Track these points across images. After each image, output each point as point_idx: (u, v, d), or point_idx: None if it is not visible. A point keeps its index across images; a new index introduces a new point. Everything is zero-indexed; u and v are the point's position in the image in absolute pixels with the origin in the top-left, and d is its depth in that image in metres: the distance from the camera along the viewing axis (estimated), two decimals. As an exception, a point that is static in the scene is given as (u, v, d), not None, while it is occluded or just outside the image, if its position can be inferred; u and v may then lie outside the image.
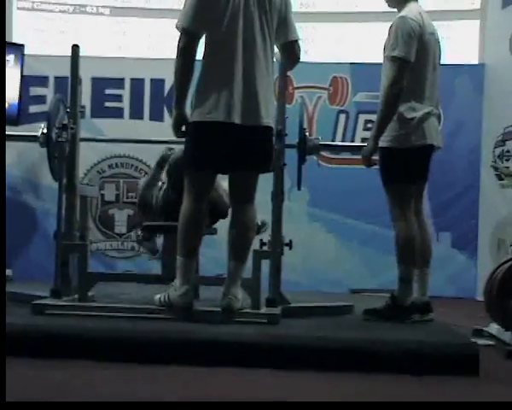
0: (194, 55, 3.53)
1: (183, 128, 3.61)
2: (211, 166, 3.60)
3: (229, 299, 3.60)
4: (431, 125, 3.89)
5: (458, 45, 6.25)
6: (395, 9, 4.01)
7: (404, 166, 3.86)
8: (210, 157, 3.56)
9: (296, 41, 3.69)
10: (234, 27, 3.51)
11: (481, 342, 3.75)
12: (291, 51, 3.71)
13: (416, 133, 3.84)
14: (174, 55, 3.54)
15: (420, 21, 3.82)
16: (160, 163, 4.51)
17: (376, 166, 4.01)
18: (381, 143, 3.86)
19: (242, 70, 3.51)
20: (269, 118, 3.59)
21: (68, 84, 4.24)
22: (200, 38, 3.55)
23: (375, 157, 3.93)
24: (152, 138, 4.97)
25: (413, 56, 3.78)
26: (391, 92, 3.78)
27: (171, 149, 4.50)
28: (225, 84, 3.49)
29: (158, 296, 3.76)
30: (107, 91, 6.16)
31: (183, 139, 3.65)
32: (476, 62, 6.39)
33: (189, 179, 3.64)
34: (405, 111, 3.82)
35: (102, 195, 6.14)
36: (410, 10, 3.85)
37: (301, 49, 3.73)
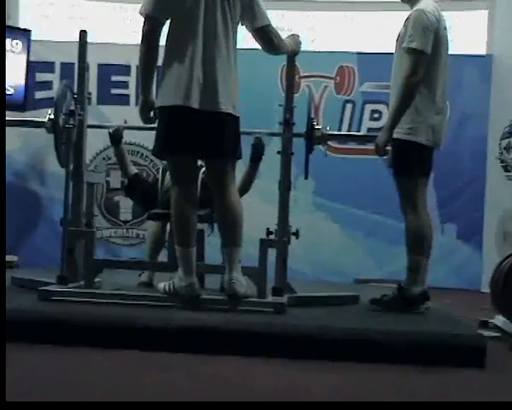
0: (157, 41, 3.55)
1: (151, 114, 3.64)
2: (178, 150, 3.60)
3: (233, 283, 3.59)
4: (441, 127, 3.92)
5: (466, 36, 6.22)
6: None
7: (417, 159, 3.87)
8: (176, 141, 3.57)
9: (265, 27, 3.67)
10: (195, 13, 3.53)
11: (487, 333, 3.75)
12: (261, 37, 3.69)
13: (428, 133, 3.85)
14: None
15: (437, 15, 3.85)
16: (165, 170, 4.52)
17: (385, 157, 4.00)
18: (395, 135, 3.86)
19: (202, 55, 3.52)
20: (228, 104, 3.57)
21: (75, 71, 4.24)
22: (163, 23, 3.57)
23: (388, 147, 3.92)
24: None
25: (430, 49, 3.79)
26: (408, 84, 3.78)
27: None
28: (185, 70, 3.51)
29: (162, 284, 3.76)
30: (114, 78, 6.15)
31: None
32: (484, 53, 6.37)
33: (169, 166, 3.73)
34: (420, 106, 3.83)
35: (108, 182, 6.14)
36: (426, 4, 3.86)
37: (276, 34, 3.70)
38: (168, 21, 3.59)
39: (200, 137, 3.57)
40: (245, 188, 4.44)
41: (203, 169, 4.07)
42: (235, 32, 3.63)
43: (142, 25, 3.55)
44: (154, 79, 3.63)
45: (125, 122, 4.50)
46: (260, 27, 3.66)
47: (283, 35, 3.88)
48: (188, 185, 3.65)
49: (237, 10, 3.61)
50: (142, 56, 3.57)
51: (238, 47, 3.70)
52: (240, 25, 3.69)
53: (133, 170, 4.70)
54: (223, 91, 3.54)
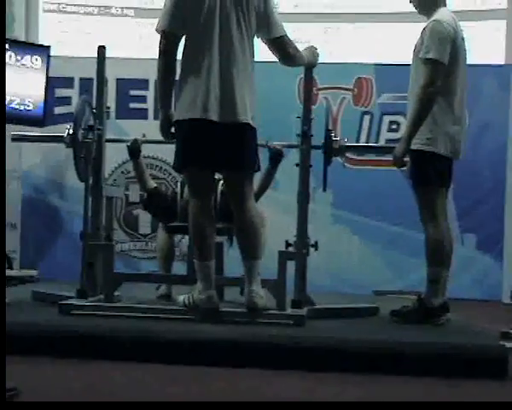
0: (175, 56, 3.59)
1: (172, 130, 3.67)
2: (196, 163, 3.60)
3: (252, 296, 3.61)
4: (460, 137, 3.90)
5: (485, 45, 6.20)
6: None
7: (436, 170, 3.86)
8: (194, 154, 3.58)
9: (280, 37, 3.68)
10: (210, 25, 3.55)
11: (509, 345, 3.71)
12: (277, 48, 3.71)
13: (446, 144, 3.84)
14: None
15: (454, 26, 3.84)
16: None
17: (404, 168, 4.00)
18: (413, 146, 3.84)
19: (219, 67, 3.54)
20: (247, 115, 3.57)
21: (93, 86, 4.27)
22: (179, 38, 3.60)
23: (406, 158, 3.91)
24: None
25: (447, 59, 3.79)
26: (425, 94, 3.77)
27: None
28: (202, 82, 3.52)
29: (182, 298, 3.76)
30: (132, 92, 6.18)
31: None
32: (503, 63, 6.34)
33: (187, 180, 3.74)
34: (438, 116, 3.82)
35: (127, 195, 6.16)
36: (442, 15, 3.86)
37: (292, 44, 3.71)
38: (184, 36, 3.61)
39: (218, 150, 3.58)
40: (261, 192, 4.44)
41: (222, 181, 4.08)
42: (251, 44, 3.64)
43: (159, 41, 3.58)
44: (173, 93, 3.65)
45: (144, 136, 4.51)
46: (276, 38, 3.67)
47: (300, 47, 3.89)
48: (205, 198, 3.66)
49: (252, 22, 3.62)
50: (159, 72, 3.60)
51: (256, 60, 3.71)
52: (256, 37, 3.70)
53: (152, 184, 4.70)
54: (240, 102, 3.55)
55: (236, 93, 3.54)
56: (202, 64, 3.54)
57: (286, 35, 3.70)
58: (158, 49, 3.58)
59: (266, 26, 3.66)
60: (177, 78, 3.63)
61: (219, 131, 3.54)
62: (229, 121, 3.54)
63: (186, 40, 3.62)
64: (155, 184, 4.76)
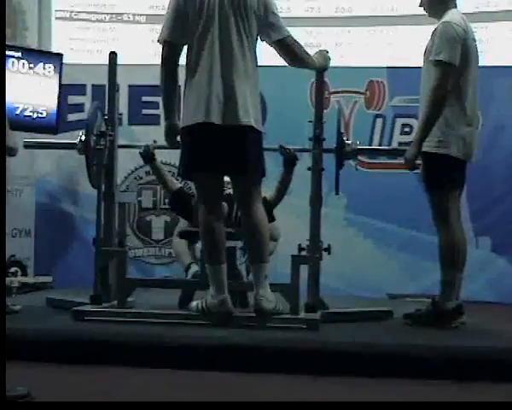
0: (176, 65, 3.64)
1: (178, 138, 3.71)
2: (201, 167, 3.62)
3: (260, 300, 3.61)
4: (472, 139, 3.88)
5: (498, 47, 6.15)
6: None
7: (448, 172, 3.84)
8: (199, 159, 3.60)
9: (284, 38, 3.67)
10: (210, 32, 3.58)
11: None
12: (282, 49, 3.70)
13: (459, 146, 3.82)
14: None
15: (464, 27, 3.83)
16: None
17: (417, 171, 3.98)
18: (425, 148, 3.83)
19: (220, 72, 3.56)
20: (249, 118, 3.58)
21: (105, 92, 4.28)
22: (180, 47, 3.65)
23: (418, 161, 3.89)
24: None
25: (457, 61, 3.77)
26: (436, 96, 3.76)
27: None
28: (204, 88, 3.55)
29: (195, 303, 3.76)
30: (144, 99, 6.19)
31: None
32: (515, 64, 6.31)
33: (195, 184, 3.76)
34: (450, 118, 3.80)
35: (140, 201, 6.17)
36: (452, 16, 3.84)
37: (297, 44, 3.70)
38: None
39: (222, 153, 3.59)
40: (278, 198, 4.43)
41: None
42: (252, 48, 3.65)
43: (161, 51, 3.64)
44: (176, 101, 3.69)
45: (155, 142, 4.52)
46: (279, 40, 3.68)
47: (312, 51, 3.88)
48: (214, 203, 3.66)
49: (252, 26, 3.63)
50: (162, 81, 3.67)
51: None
52: (260, 40, 3.71)
53: (176, 185, 4.67)
54: (242, 105, 3.56)
55: (238, 96, 3.55)
56: (203, 70, 3.57)
57: (289, 36, 3.69)
58: (160, 59, 3.64)
59: (268, 29, 3.66)
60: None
61: (222, 134, 3.55)
62: (231, 124, 3.55)
63: (188, 47, 3.65)
64: (180, 185, 4.74)
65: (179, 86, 3.72)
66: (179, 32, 3.62)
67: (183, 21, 3.61)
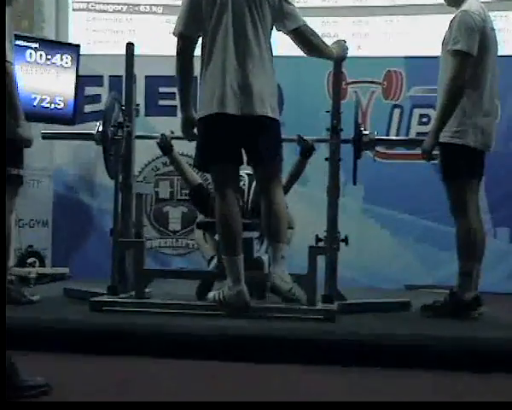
0: (191, 58, 3.67)
1: (195, 130, 3.73)
2: (218, 158, 3.64)
3: (273, 278, 3.64)
4: (490, 129, 3.85)
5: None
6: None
7: (466, 162, 3.81)
8: (216, 150, 3.62)
9: (299, 27, 3.68)
10: (224, 23, 3.59)
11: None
12: (298, 38, 3.72)
13: (476, 136, 3.79)
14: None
15: (482, 16, 3.80)
16: None
17: (434, 161, 3.96)
18: (442, 139, 3.81)
19: (235, 63, 3.57)
20: (264, 107, 3.59)
21: (122, 83, 4.28)
22: (194, 39, 3.68)
23: (435, 151, 3.87)
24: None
25: (475, 50, 3.74)
26: (453, 86, 3.73)
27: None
28: (219, 79, 3.57)
29: (212, 294, 3.76)
30: (161, 90, 6.19)
31: None
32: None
33: (211, 175, 3.75)
34: (467, 108, 3.77)
35: (157, 192, 6.17)
36: (470, 5, 3.81)
37: (312, 33, 3.71)
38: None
39: (239, 144, 3.62)
40: (290, 183, 4.42)
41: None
42: (267, 38, 3.67)
43: (176, 44, 3.67)
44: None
45: (172, 133, 4.51)
46: (294, 29, 3.68)
47: (329, 42, 3.87)
48: (230, 194, 3.66)
49: (267, 16, 3.64)
50: (177, 73, 3.71)
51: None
52: (276, 30, 3.71)
53: (196, 180, 4.65)
54: (258, 95, 3.57)
55: (253, 86, 3.57)
56: (218, 61, 3.59)
57: (304, 24, 3.70)
58: (175, 52, 3.68)
59: (283, 18, 3.68)
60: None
61: (239, 125, 3.56)
62: (247, 114, 3.55)
63: (202, 39, 3.67)
64: (200, 180, 4.72)
65: (195, 78, 3.73)
66: (193, 26, 3.65)
67: (197, 14, 3.63)
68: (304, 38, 3.70)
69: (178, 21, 3.68)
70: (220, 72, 3.57)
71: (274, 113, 3.64)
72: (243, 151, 3.70)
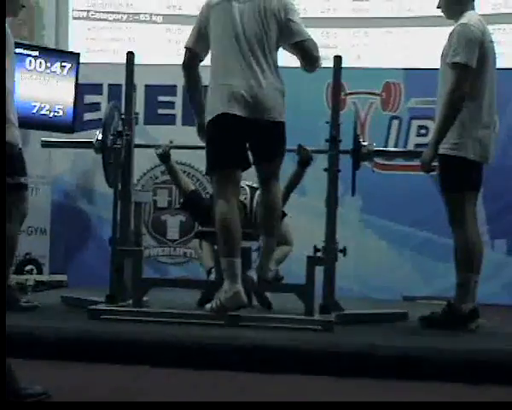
0: (196, 70, 3.81)
1: None
2: (224, 160, 3.68)
3: (260, 269, 3.81)
4: (489, 141, 3.87)
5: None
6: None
7: (465, 174, 3.83)
8: (222, 151, 3.68)
9: (303, 41, 3.74)
10: (231, 31, 3.68)
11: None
12: (300, 51, 3.77)
13: (475, 148, 3.81)
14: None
15: (481, 28, 3.81)
16: None
17: (433, 173, 3.97)
18: (441, 151, 3.82)
19: (243, 67, 3.64)
20: (273, 112, 3.66)
21: (122, 92, 4.30)
22: (200, 56, 3.81)
23: (434, 163, 3.88)
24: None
25: (475, 63, 3.75)
26: (453, 98, 3.74)
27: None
28: (226, 82, 3.64)
29: (209, 305, 3.75)
30: (160, 98, 6.20)
31: None
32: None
33: (214, 180, 3.77)
34: (466, 120, 3.78)
35: (155, 201, 6.17)
36: (469, 18, 3.83)
37: (315, 47, 3.76)
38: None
39: (244, 145, 3.71)
40: (288, 193, 4.42)
41: (258, 192, 4.11)
42: (271, 46, 3.71)
43: (184, 55, 3.80)
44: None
45: (171, 142, 4.53)
46: (297, 42, 3.74)
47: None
48: (233, 197, 3.70)
49: (272, 25, 3.70)
50: (185, 83, 3.88)
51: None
52: (282, 48, 3.79)
53: (190, 187, 4.69)
54: (265, 100, 3.64)
55: (261, 91, 3.63)
56: (225, 67, 3.66)
57: (309, 39, 3.75)
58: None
59: (288, 33, 3.73)
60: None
61: (245, 126, 3.63)
62: (254, 117, 3.62)
63: (211, 51, 3.75)
64: (193, 187, 4.75)
65: (204, 87, 3.79)
66: (201, 45, 3.79)
67: (204, 34, 3.76)
68: (304, 50, 3.74)
69: (190, 36, 3.83)
70: (227, 77, 3.64)
71: (281, 116, 3.72)
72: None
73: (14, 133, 3.35)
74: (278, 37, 3.73)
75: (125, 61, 4.22)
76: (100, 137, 4.06)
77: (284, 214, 4.36)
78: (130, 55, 4.21)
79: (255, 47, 3.66)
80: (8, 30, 3.19)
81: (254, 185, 4.35)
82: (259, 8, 3.68)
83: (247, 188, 4.44)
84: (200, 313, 3.86)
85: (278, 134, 3.74)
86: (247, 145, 3.73)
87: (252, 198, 4.42)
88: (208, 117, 3.68)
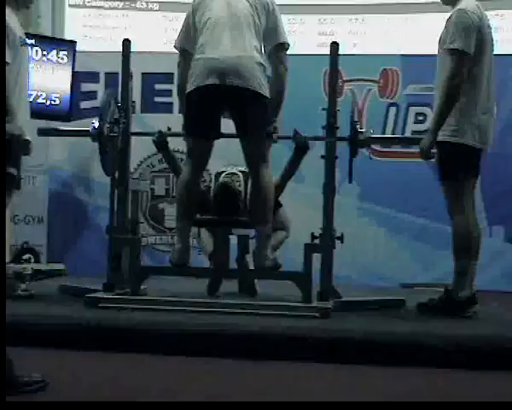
0: (187, 68, 3.85)
1: None
2: (194, 129, 3.83)
3: (259, 259, 3.83)
4: (488, 127, 3.86)
5: (511, 35, 6.11)
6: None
7: (464, 161, 3.82)
8: (194, 122, 3.81)
9: (282, 44, 3.88)
10: (217, 13, 3.79)
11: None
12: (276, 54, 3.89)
13: (474, 134, 3.80)
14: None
15: (479, 14, 3.80)
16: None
17: (431, 160, 3.96)
18: (440, 138, 3.81)
19: (226, 46, 3.72)
20: (252, 83, 3.69)
21: (118, 80, 4.28)
22: (191, 53, 3.85)
23: (433, 150, 3.87)
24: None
25: (472, 49, 3.74)
26: (451, 85, 3.73)
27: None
28: (202, 58, 3.75)
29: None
30: (157, 87, 6.19)
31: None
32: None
33: (187, 148, 3.95)
34: (464, 106, 3.77)
35: (152, 189, 6.18)
36: (466, 3, 3.81)
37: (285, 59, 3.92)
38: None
39: (218, 114, 3.81)
40: (284, 181, 4.40)
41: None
42: (259, 34, 3.80)
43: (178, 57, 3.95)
44: None
45: (169, 129, 4.51)
46: (279, 44, 3.86)
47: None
48: (200, 166, 3.92)
49: (262, 18, 3.81)
50: (177, 81, 3.99)
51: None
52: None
53: None
54: (245, 70, 3.69)
55: (242, 63, 3.69)
56: (209, 45, 3.75)
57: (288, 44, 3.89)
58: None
59: (273, 33, 3.85)
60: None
61: (220, 95, 3.70)
62: (232, 84, 3.67)
63: (198, 31, 3.84)
64: None
65: None
66: (189, 41, 3.87)
67: (192, 28, 3.86)
68: (280, 59, 3.87)
69: (178, 36, 3.94)
70: (206, 49, 3.74)
71: (261, 89, 3.73)
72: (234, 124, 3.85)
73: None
74: (265, 27, 3.81)
75: (121, 49, 4.20)
76: (97, 125, 4.04)
77: (279, 204, 4.35)
78: (127, 42, 4.20)
79: (241, 24, 3.74)
80: (11, 25, 3.13)
81: (246, 170, 4.33)
82: None
83: (240, 174, 4.42)
84: (197, 300, 3.86)
85: (260, 106, 3.75)
86: (232, 116, 3.81)
87: (246, 184, 4.39)
88: (187, 88, 3.79)
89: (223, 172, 4.50)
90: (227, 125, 3.92)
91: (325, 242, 3.92)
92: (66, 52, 5.68)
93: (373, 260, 5.98)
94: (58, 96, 5.64)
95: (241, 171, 4.42)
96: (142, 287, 3.99)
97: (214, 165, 4.45)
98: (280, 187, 4.29)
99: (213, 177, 4.54)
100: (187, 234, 3.93)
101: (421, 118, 6.02)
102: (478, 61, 3.79)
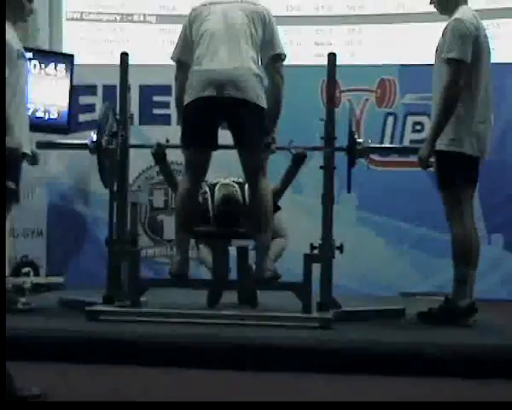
0: (184, 79, 3.87)
1: None
2: (191, 141, 3.84)
3: (259, 269, 3.82)
4: (486, 136, 3.87)
5: (509, 44, 6.13)
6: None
7: (462, 170, 3.83)
8: (192, 133, 3.83)
9: (279, 54, 3.89)
10: (213, 25, 3.80)
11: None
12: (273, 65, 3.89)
13: (472, 143, 3.81)
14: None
15: (475, 23, 3.81)
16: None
17: (430, 169, 3.97)
18: (438, 147, 3.82)
19: (223, 57, 3.74)
20: (249, 94, 3.71)
21: (116, 93, 4.29)
22: (188, 65, 3.88)
23: (431, 159, 3.88)
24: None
25: (469, 58, 3.76)
26: (448, 94, 3.75)
27: None
28: (199, 70, 3.77)
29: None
30: (155, 99, 6.20)
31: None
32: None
33: (185, 160, 3.96)
34: (462, 115, 3.78)
35: (151, 201, 6.18)
36: (463, 13, 3.83)
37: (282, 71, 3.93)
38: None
39: (215, 125, 3.82)
40: (281, 190, 4.41)
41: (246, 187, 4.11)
42: (256, 45, 3.83)
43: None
44: None
45: (167, 141, 4.52)
46: (275, 55, 3.86)
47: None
48: (198, 177, 3.94)
49: (259, 29, 3.83)
50: (175, 93, 3.99)
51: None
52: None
53: None
54: (241, 81, 3.70)
55: (238, 74, 3.71)
56: (206, 57, 3.76)
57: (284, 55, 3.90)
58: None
59: (269, 44, 3.86)
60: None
61: (217, 107, 3.72)
62: (229, 96, 3.69)
63: (195, 43, 3.86)
64: None
65: None
66: (186, 53, 3.90)
67: (189, 40, 3.88)
68: (277, 69, 3.87)
69: (175, 48, 3.97)
70: (202, 61, 3.75)
71: (259, 100, 3.75)
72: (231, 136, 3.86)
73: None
74: (262, 38, 3.83)
75: (119, 62, 4.22)
76: (95, 138, 4.04)
77: (278, 208, 4.36)
78: (125, 55, 4.20)
79: (238, 36, 3.76)
80: (8, 38, 3.14)
81: (240, 180, 4.35)
82: (245, 7, 3.84)
83: (236, 185, 4.43)
84: (197, 312, 3.86)
85: (257, 117, 3.76)
86: (229, 128, 3.84)
87: (243, 195, 4.40)
88: (185, 101, 3.81)
89: (217, 183, 4.51)
90: (224, 137, 3.93)
91: (325, 252, 3.92)
92: (64, 65, 5.69)
93: (372, 269, 5.97)
94: (56, 109, 5.65)
95: (235, 182, 4.43)
96: (141, 299, 3.98)
97: (212, 176, 4.45)
98: (278, 195, 4.30)
99: (207, 188, 4.54)
100: (186, 245, 3.94)
101: (418, 127, 6.02)
102: (475, 71, 3.80)
